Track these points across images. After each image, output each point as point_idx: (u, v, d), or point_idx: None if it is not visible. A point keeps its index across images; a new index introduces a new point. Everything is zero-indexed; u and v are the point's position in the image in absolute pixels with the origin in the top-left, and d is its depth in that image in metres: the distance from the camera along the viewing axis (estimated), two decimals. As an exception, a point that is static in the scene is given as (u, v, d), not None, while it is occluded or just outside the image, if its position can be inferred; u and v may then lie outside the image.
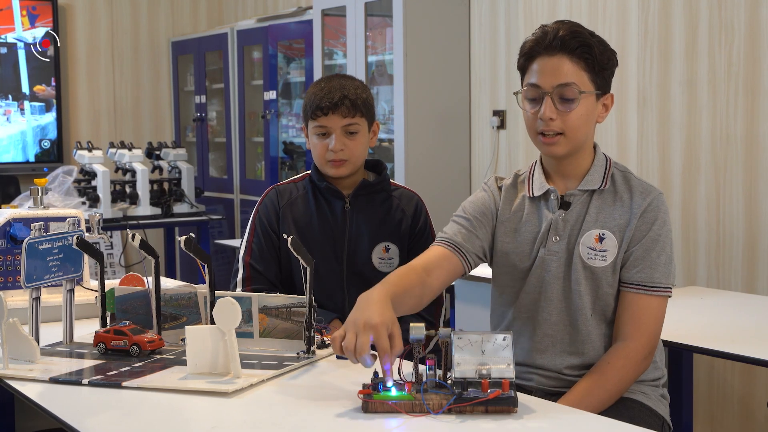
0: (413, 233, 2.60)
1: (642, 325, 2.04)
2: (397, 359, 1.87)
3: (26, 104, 6.70)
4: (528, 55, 2.08)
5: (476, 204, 2.20)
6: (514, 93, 2.15)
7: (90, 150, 5.47)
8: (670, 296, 2.07)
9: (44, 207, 2.69)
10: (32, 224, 2.25)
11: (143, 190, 5.51)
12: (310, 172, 2.65)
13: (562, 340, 2.11)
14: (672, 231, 2.10)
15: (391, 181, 2.66)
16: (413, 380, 1.77)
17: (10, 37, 6.61)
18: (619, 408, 2.02)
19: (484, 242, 2.17)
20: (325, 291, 2.54)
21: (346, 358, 1.81)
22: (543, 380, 2.11)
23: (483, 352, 1.74)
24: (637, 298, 2.05)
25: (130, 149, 5.60)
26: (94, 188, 5.37)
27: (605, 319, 2.09)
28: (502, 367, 1.73)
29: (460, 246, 2.13)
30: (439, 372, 1.79)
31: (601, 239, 2.06)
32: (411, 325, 1.79)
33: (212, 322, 1.98)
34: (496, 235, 2.18)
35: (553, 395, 2.04)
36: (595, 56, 2.04)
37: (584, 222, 2.09)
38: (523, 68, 2.11)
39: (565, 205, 2.11)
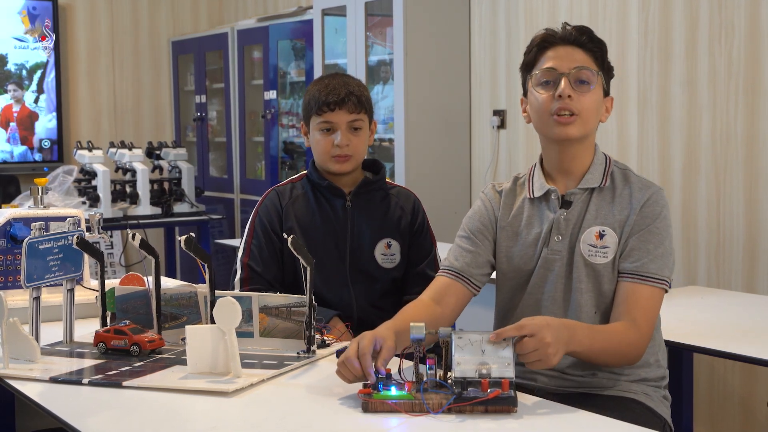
0: (412, 231, 2.64)
1: (636, 313, 2.00)
2: (398, 359, 1.88)
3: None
4: (540, 46, 2.11)
5: (474, 218, 2.22)
6: (527, 76, 2.14)
7: (90, 150, 5.47)
8: (665, 289, 2.05)
9: (44, 206, 2.69)
10: (32, 224, 2.25)
11: (143, 189, 5.51)
12: (306, 172, 2.65)
13: None
14: (672, 226, 2.10)
15: (386, 179, 2.69)
16: (413, 380, 1.78)
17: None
18: (620, 409, 2.00)
19: (489, 254, 2.19)
20: (332, 289, 2.55)
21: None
22: (546, 380, 2.10)
23: (483, 351, 1.74)
24: (631, 286, 2.03)
25: (130, 149, 5.60)
26: (95, 188, 5.36)
27: (608, 317, 2.08)
28: (502, 366, 1.73)
29: (462, 272, 2.16)
30: (440, 371, 1.79)
31: (601, 236, 2.07)
32: (411, 324, 1.79)
33: (212, 321, 1.98)
34: (498, 241, 2.19)
35: (557, 395, 2.03)
36: (603, 54, 2.12)
37: (584, 220, 2.10)
38: (532, 61, 2.12)
39: (566, 204, 2.12)
